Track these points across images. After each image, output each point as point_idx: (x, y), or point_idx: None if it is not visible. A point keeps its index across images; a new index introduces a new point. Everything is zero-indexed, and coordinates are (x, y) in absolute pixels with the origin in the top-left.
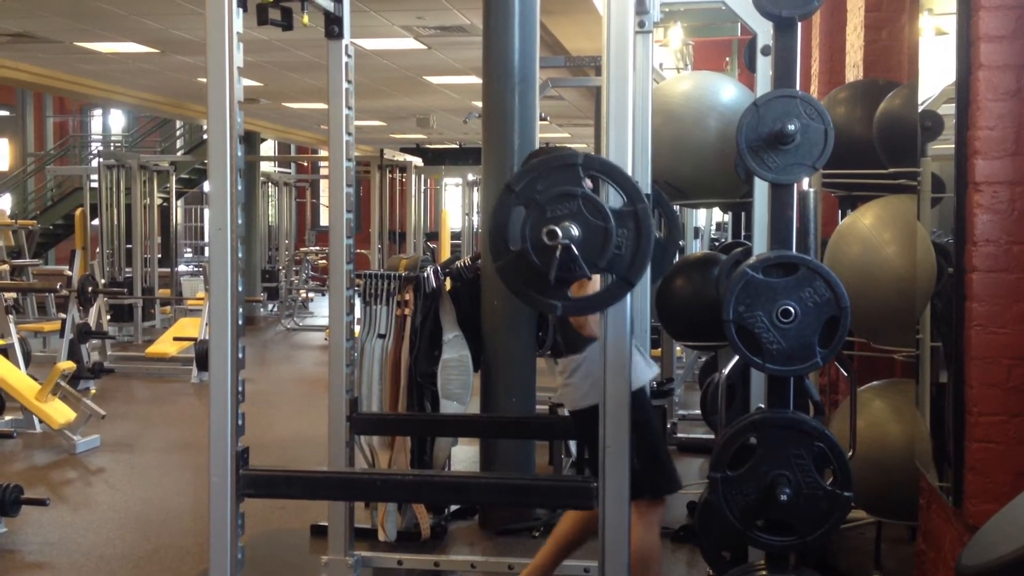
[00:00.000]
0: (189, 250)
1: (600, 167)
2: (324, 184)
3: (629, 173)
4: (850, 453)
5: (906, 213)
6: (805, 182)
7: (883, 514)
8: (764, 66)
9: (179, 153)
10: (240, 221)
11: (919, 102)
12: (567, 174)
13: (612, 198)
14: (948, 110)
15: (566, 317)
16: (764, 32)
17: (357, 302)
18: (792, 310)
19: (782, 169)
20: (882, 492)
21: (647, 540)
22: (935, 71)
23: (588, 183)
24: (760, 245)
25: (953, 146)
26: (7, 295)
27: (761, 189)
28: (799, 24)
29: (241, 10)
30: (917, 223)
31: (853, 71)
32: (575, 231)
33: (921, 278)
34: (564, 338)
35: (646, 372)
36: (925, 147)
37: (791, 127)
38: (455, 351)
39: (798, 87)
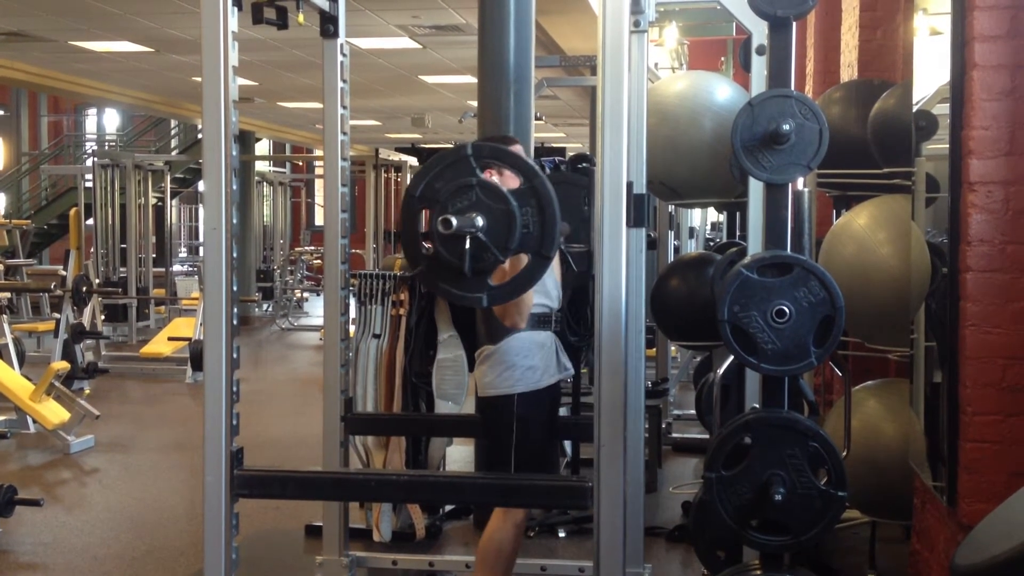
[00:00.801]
0: (184, 250)
1: (490, 153)
2: (319, 183)
3: (624, 173)
4: (844, 453)
5: (900, 213)
6: (800, 182)
7: (877, 514)
8: (759, 66)
9: (174, 152)
10: (235, 221)
11: (913, 102)
12: (461, 167)
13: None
14: (942, 110)
15: (491, 309)
16: (759, 32)
17: (352, 302)
18: (787, 310)
19: (777, 169)
20: (876, 492)
21: (503, 531)
22: (930, 71)
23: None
24: (755, 245)
25: (947, 146)
26: (1, 295)
27: (756, 189)
28: (794, 24)
29: (236, 9)
30: (911, 223)
31: (848, 71)
32: (480, 220)
33: (915, 278)
34: (486, 328)
35: (538, 375)
36: (919, 147)
37: (786, 127)
38: (450, 351)
39: (793, 87)
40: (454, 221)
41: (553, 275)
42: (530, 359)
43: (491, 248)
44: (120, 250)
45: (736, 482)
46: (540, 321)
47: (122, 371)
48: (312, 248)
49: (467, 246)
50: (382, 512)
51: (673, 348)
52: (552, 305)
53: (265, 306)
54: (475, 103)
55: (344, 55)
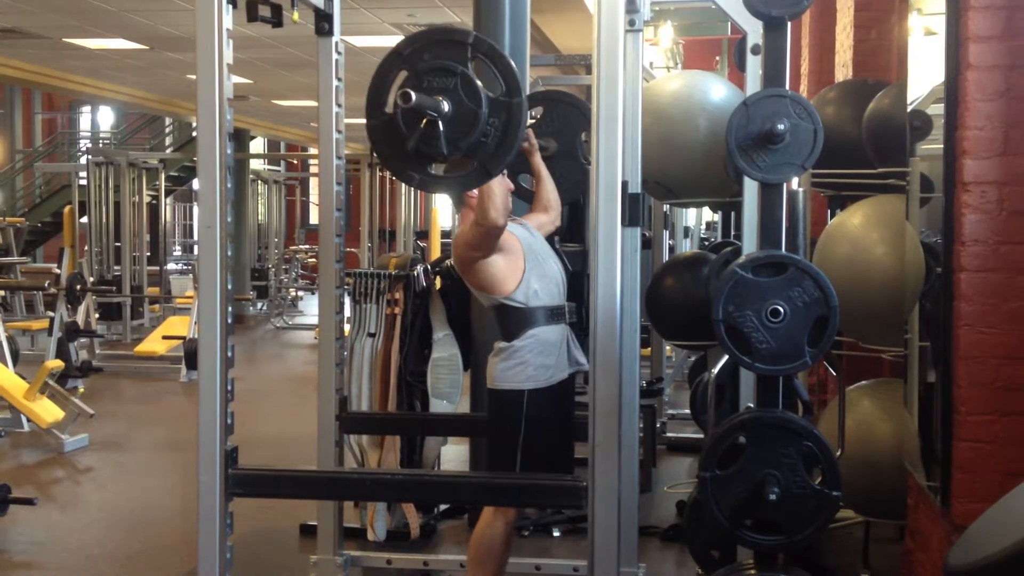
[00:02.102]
0: (178, 248)
1: (487, 50)
2: (314, 182)
3: (619, 172)
4: (838, 452)
5: (895, 213)
6: (794, 182)
7: (871, 513)
8: (754, 65)
9: (168, 150)
10: (230, 219)
11: (908, 102)
12: (455, 50)
13: None
14: (937, 110)
15: (503, 308)
16: (754, 31)
17: (347, 301)
18: (781, 309)
19: (771, 168)
20: (870, 491)
21: (494, 528)
22: (924, 71)
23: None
24: (750, 245)
25: (942, 146)
26: None
27: (751, 188)
28: (789, 23)
29: (231, 6)
30: (906, 223)
31: (842, 71)
32: (445, 106)
33: (910, 278)
34: (501, 325)
35: (550, 372)
36: (914, 147)
37: (780, 126)
38: (445, 350)
39: (788, 86)
40: (413, 96)
41: (559, 268)
42: (544, 357)
43: (441, 139)
44: (114, 248)
45: (730, 481)
46: (554, 315)
47: (116, 370)
48: (307, 246)
49: (421, 125)
50: (377, 511)
51: (668, 347)
52: (562, 300)
53: (260, 305)
54: None
55: (339, 53)
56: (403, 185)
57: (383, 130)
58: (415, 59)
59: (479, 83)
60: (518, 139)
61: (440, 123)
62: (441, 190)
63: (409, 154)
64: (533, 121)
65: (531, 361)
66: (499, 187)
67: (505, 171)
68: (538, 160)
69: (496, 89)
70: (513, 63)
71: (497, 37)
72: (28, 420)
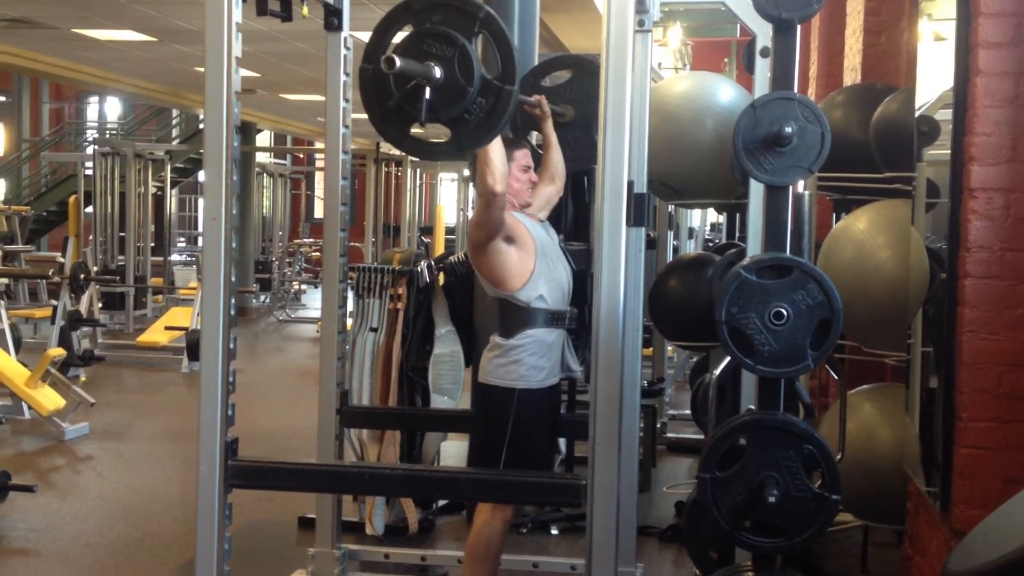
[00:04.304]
0: (182, 239)
1: (495, 29)
2: (319, 176)
3: (625, 172)
4: (839, 456)
5: (900, 218)
6: (800, 184)
7: (870, 518)
8: (762, 68)
9: (175, 142)
10: (235, 211)
11: (916, 107)
12: (463, 20)
13: None
14: (945, 116)
15: (505, 302)
16: (763, 34)
17: (350, 295)
18: (784, 312)
19: (778, 171)
20: (870, 496)
21: (491, 526)
22: (933, 76)
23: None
24: (754, 247)
25: (949, 152)
26: None
27: (757, 191)
28: (798, 26)
29: (240, 0)
30: (911, 228)
31: (851, 75)
32: (437, 72)
33: (914, 283)
34: (500, 320)
35: (543, 375)
36: (921, 152)
37: (788, 129)
38: (447, 346)
39: (796, 89)
40: (396, 63)
41: (567, 274)
42: (538, 359)
43: (424, 104)
44: (119, 238)
45: (730, 483)
46: (554, 319)
47: (118, 359)
48: (311, 240)
49: (408, 85)
50: (375, 505)
51: (670, 348)
52: (566, 305)
53: (263, 297)
54: None
55: (347, 48)
56: (408, 181)
57: (374, 77)
58: (423, 18)
59: (476, 60)
60: (500, 125)
61: (427, 90)
62: (414, 152)
63: (391, 109)
64: (554, 85)
65: (525, 361)
66: (497, 155)
67: (533, 165)
68: (549, 128)
69: (492, 70)
70: (516, 50)
71: None
72: (29, 408)
